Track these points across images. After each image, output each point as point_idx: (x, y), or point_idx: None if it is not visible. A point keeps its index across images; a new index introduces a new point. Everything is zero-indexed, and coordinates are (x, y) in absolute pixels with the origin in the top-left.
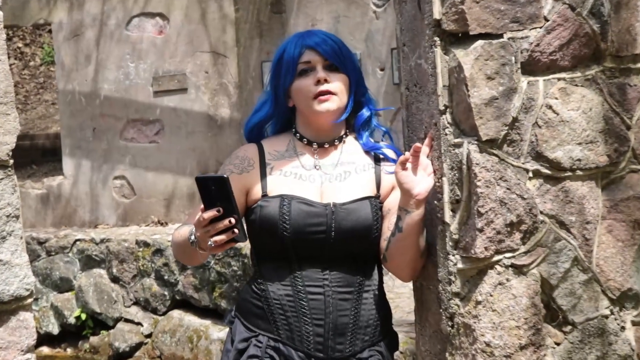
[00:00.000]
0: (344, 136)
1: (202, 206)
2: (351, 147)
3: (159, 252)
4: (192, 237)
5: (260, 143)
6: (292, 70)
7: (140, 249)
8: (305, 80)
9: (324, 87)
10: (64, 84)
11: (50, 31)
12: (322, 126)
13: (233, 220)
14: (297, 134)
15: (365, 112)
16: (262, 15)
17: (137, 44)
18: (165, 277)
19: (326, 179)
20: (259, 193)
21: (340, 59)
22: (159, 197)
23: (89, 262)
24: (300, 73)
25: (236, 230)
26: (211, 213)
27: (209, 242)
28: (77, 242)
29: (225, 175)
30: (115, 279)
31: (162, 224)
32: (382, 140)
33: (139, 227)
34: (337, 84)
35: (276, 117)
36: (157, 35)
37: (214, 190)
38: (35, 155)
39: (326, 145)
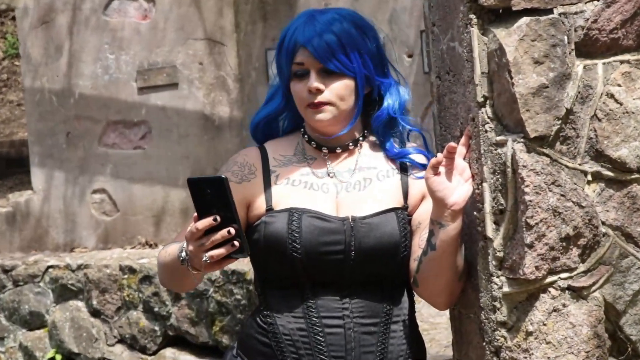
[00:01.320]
0: (360, 139)
1: (195, 214)
2: (371, 150)
3: (147, 279)
4: (183, 254)
5: (264, 146)
6: (287, 68)
7: (125, 276)
8: (299, 85)
9: (316, 99)
10: (31, 80)
11: (13, 18)
12: (324, 134)
13: (233, 231)
14: (306, 135)
15: (384, 112)
16: None
17: (117, 31)
18: (156, 309)
19: (342, 188)
20: (262, 207)
21: (338, 61)
22: (146, 214)
23: (64, 293)
24: (295, 74)
25: (236, 243)
26: (206, 222)
27: (204, 258)
28: (50, 269)
29: (223, 176)
30: (95, 313)
31: (150, 246)
32: (407, 139)
33: (123, 250)
34: (335, 92)
35: (289, 111)
36: (142, 20)
37: (209, 195)
38: None
39: (338, 150)
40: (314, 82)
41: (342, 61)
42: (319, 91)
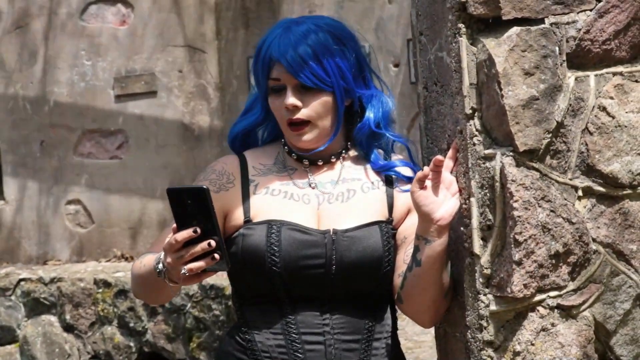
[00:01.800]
0: (343, 152)
1: (174, 225)
2: (355, 161)
3: (122, 293)
4: (160, 266)
5: (243, 155)
6: (263, 82)
7: (100, 290)
8: (276, 101)
9: (294, 115)
10: (4, 87)
11: None
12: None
13: (213, 243)
14: (286, 147)
15: (366, 125)
16: (248, 1)
17: (94, 37)
18: (131, 325)
19: (324, 199)
20: (240, 218)
21: (314, 76)
22: (122, 226)
23: (36, 307)
24: (272, 89)
25: (217, 256)
26: (186, 234)
27: (182, 271)
28: (22, 283)
29: (204, 186)
30: (68, 328)
31: (126, 259)
32: (393, 150)
33: (97, 263)
34: (313, 109)
35: (268, 122)
36: (120, 26)
37: (189, 205)
38: None
39: (320, 163)
40: (290, 99)
41: (318, 75)
42: (297, 108)
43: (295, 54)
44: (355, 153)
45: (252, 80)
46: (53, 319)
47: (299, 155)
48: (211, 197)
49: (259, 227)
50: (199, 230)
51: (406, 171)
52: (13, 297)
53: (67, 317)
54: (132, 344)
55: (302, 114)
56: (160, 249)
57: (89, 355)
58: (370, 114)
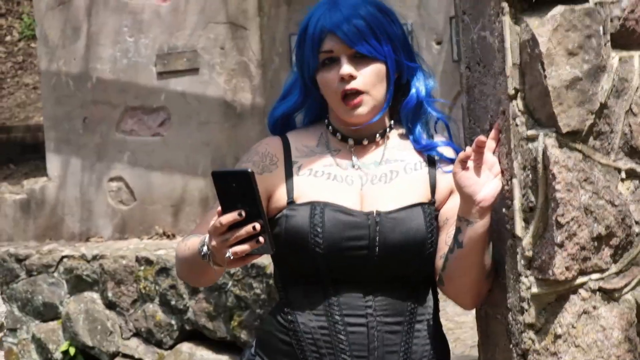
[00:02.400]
0: (387, 130)
1: (218, 208)
2: (398, 142)
3: (164, 271)
4: (205, 249)
5: (286, 136)
6: (314, 57)
7: (142, 268)
8: (329, 74)
9: (349, 85)
10: (47, 63)
11: None
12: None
13: (258, 227)
14: (330, 127)
15: (414, 97)
16: None
17: (137, 14)
18: (172, 303)
19: (367, 180)
20: (283, 199)
21: (369, 45)
22: (164, 204)
23: (78, 284)
24: (324, 63)
25: (262, 239)
26: (231, 217)
27: (227, 254)
28: (64, 259)
29: (249, 170)
30: (110, 305)
31: (168, 237)
32: (434, 130)
33: (140, 241)
34: (367, 78)
35: (307, 106)
36: (162, 2)
37: (234, 189)
38: (13, 152)
39: (365, 142)
40: (347, 68)
41: (373, 45)
42: (352, 78)
43: (350, 25)
44: (399, 133)
45: (294, 60)
46: (95, 296)
47: (343, 135)
48: (256, 181)
49: (302, 208)
50: (243, 213)
51: (448, 152)
52: (56, 274)
53: (109, 294)
54: (173, 322)
55: (357, 83)
56: (204, 231)
57: (130, 333)
58: (418, 86)
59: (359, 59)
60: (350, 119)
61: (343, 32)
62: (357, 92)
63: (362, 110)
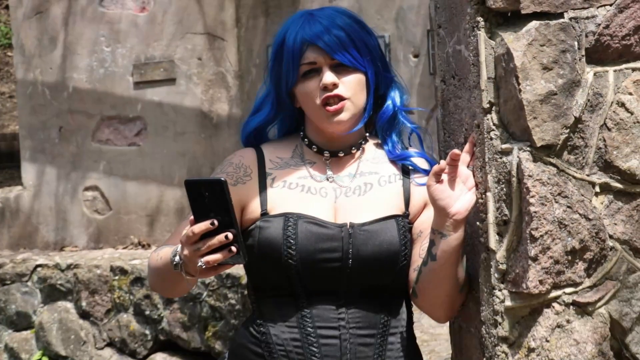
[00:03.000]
0: (362, 142)
1: (191, 217)
2: (373, 155)
3: (138, 281)
4: (177, 258)
5: (260, 148)
6: (293, 70)
7: (116, 277)
8: (310, 84)
9: (332, 92)
10: (23, 72)
11: (7, 7)
12: (335, 135)
13: (230, 236)
14: (306, 140)
15: (390, 107)
16: None
17: (114, 23)
18: (147, 313)
19: (341, 192)
20: (257, 211)
21: (350, 55)
22: (139, 213)
23: (52, 294)
24: (304, 74)
25: (234, 248)
26: (203, 226)
27: (199, 263)
28: (38, 269)
29: (222, 179)
30: (84, 315)
31: (143, 246)
32: (409, 143)
33: (114, 250)
34: (349, 86)
35: (280, 119)
36: (140, 12)
37: (207, 197)
38: None
39: (340, 154)
40: (330, 77)
41: (354, 55)
42: (335, 86)
43: (330, 34)
44: (373, 145)
45: (268, 74)
46: (69, 305)
47: (319, 148)
48: (229, 190)
49: (276, 219)
50: (216, 222)
51: (422, 163)
52: (29, 283)
53: (83, 304)
54: (147, 332)
55: (340, 90)
56: (177, 242)
57: (104, 343)
58: (394, 97)
59: (340, 69)
60: (331, 126)
61: (324, 43)
62: (340, 98)
63: (344, 116)
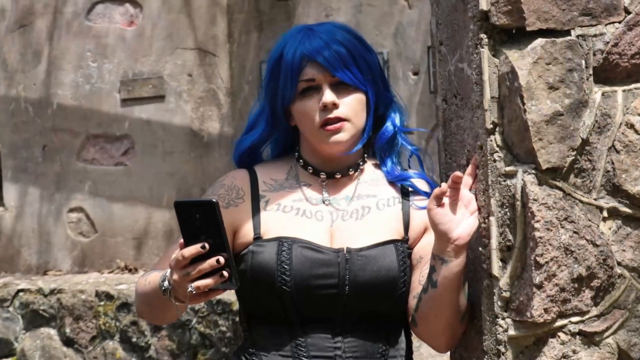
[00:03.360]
0: (360, 163)
1: (181, 240)
2: (371, 176)
3: (125, 306)
4: (166, 283)
5: (253, 169)
6: (291, 87)
7: (102, 303)
8: (308, 103)
9: (332, 114)
10: (6, 88)
11: None
12: (332, 156)
13: (222, 260)
14: (301, 160)
15: (390, 128)
16: (262, 3)
17: (101, 38)
18: (134, 340)
19: (338, 216)
20: (250, 234)
21: (352, 73)
22: (126, 236)
23: (35, 320)
24: (303, 92)
25: (225, 273)
26: (194, 249)
27: (189, 289)
28: (20, 293)
29: (214, 200)
30: (68, 342)
31: (130, 271)
32: (409, 163)
33: (100, 275)
34: (350, 107)
35: (275, 138)
36: (127, 26)
37: (198, 220)
38: None
39: (337, 176)
40: (330, 96)
41: (355, 73)
42: (335, 106)
43: (330, 50)
44: (372, 166)
45: (262, 91)
46: (52, 332)
47: (315, 169)
48: (221, 212)
49: (270, 244)
50: (207, 246)
51: (422, 184)
52: (11, 309)
53: (67, 330)
54: None
55: (340, 111)
56: (166, 266)
57: None
58: (393, 117)
59: (341, 88)
60: (329, 146)
61: (324, 58)
62: (339, 120)
63: (342, 136)
